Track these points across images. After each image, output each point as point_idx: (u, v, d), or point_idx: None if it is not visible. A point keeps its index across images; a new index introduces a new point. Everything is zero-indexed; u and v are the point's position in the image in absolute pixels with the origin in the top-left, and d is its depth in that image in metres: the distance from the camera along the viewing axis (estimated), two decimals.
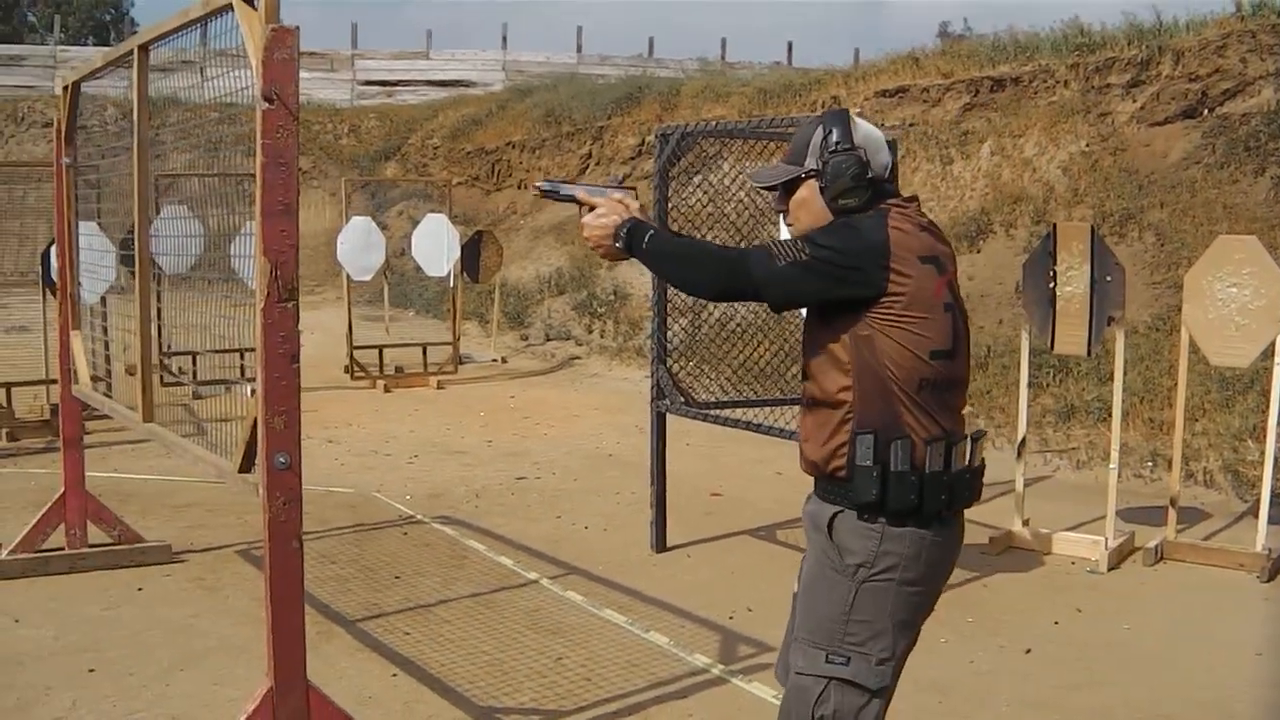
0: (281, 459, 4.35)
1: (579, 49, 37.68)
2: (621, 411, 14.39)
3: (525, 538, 9.02)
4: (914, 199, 3.94)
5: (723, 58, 37.06)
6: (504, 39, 37.19)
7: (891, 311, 3.69)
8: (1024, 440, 9.19)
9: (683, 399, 8.57)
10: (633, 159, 25.16)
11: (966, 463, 3.82)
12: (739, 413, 8.50)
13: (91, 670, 6.36)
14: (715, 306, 8.86)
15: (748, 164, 9.29)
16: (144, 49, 6.03)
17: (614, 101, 26.98)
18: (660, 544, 8.81)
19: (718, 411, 8.61)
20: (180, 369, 15.98)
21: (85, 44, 42.60)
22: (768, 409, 8.52)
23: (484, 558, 8.51)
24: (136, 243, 6.26)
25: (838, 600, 3.87)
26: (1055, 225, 8.98)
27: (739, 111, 22.70)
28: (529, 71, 35.40)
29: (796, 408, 8.66)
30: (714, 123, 9.99)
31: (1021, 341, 9.19)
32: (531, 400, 15.62)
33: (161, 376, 14.81)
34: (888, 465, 3.72)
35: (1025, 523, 8.99)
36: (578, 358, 18.99)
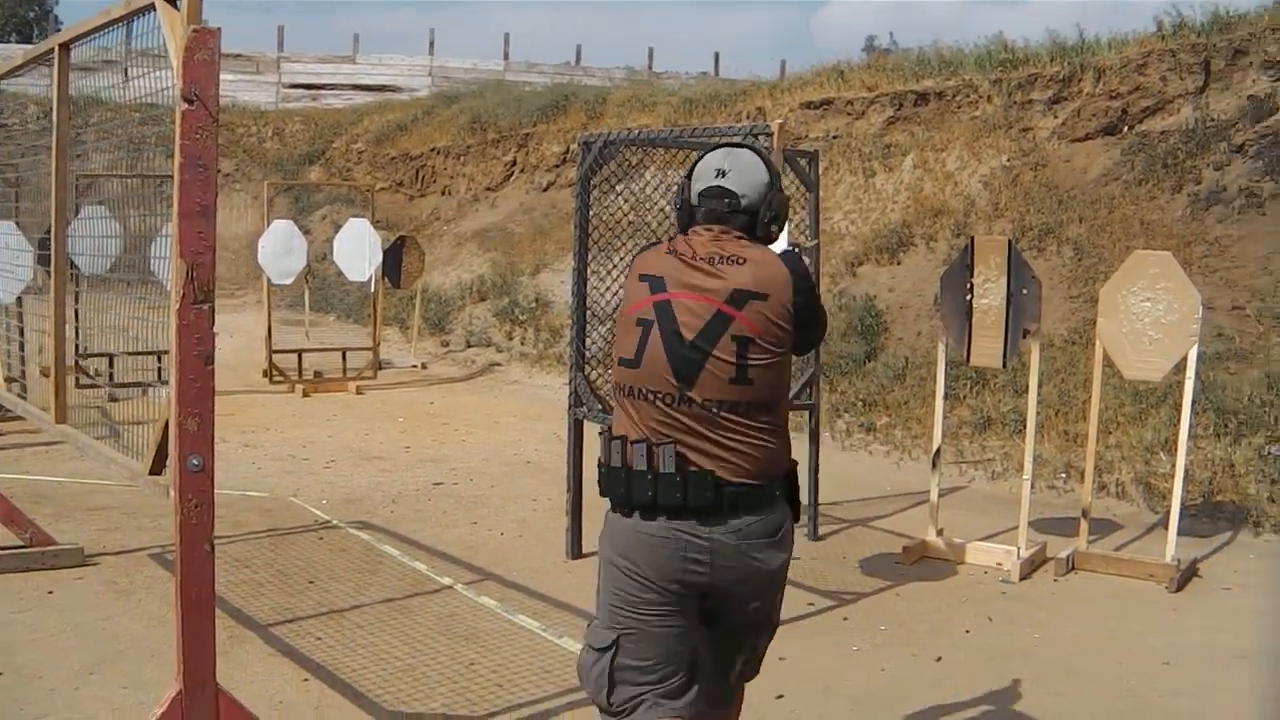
0: (194, 461, 4.34)
1: (506, 56, 37.69)
2: (541, 418, 14.39)
3: (440, 543, 9.03)
4: (716, 226, 4.18)
5: (650, 67, 37.23)
6: (431, 44, 37.25)
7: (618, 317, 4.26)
8: (939, 451, 9.24)
9: (600, 406, 8.59)
10: (557, 167, 25.17)
11: (657, 468, 4.07)
12: None
13: (0, 674, 6.32)
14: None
15: (671, 173, 9.33)
16: (65, 47, 6.01)
17: (540, 109, 26.98)
18: (575, 550, 8.83)
19: None
20: (96, 371, 15.84)
21: (9, 41, 42.10)
22: None
23: (399, 563, 8.50)
24: (53, 243, 6.23)
25: None
26: (973, 238, 9.07)
27: (665, 121, 22.77)
28: (456, 78, 35.36)
29: None
30: (637, 131, 10.03)
31: (938, 353, 9.23)
32: (451, 406, 15.58)
33: (77, 379, 14.68)
34: (609, 459, 4.22)
35: (939, 532, 9.07)
36: (498, 364, 18.96)
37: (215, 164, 4.36)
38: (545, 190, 25.18)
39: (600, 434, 4.37)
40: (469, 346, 20.19)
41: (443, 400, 16.20)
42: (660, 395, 4.06)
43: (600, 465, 4.29)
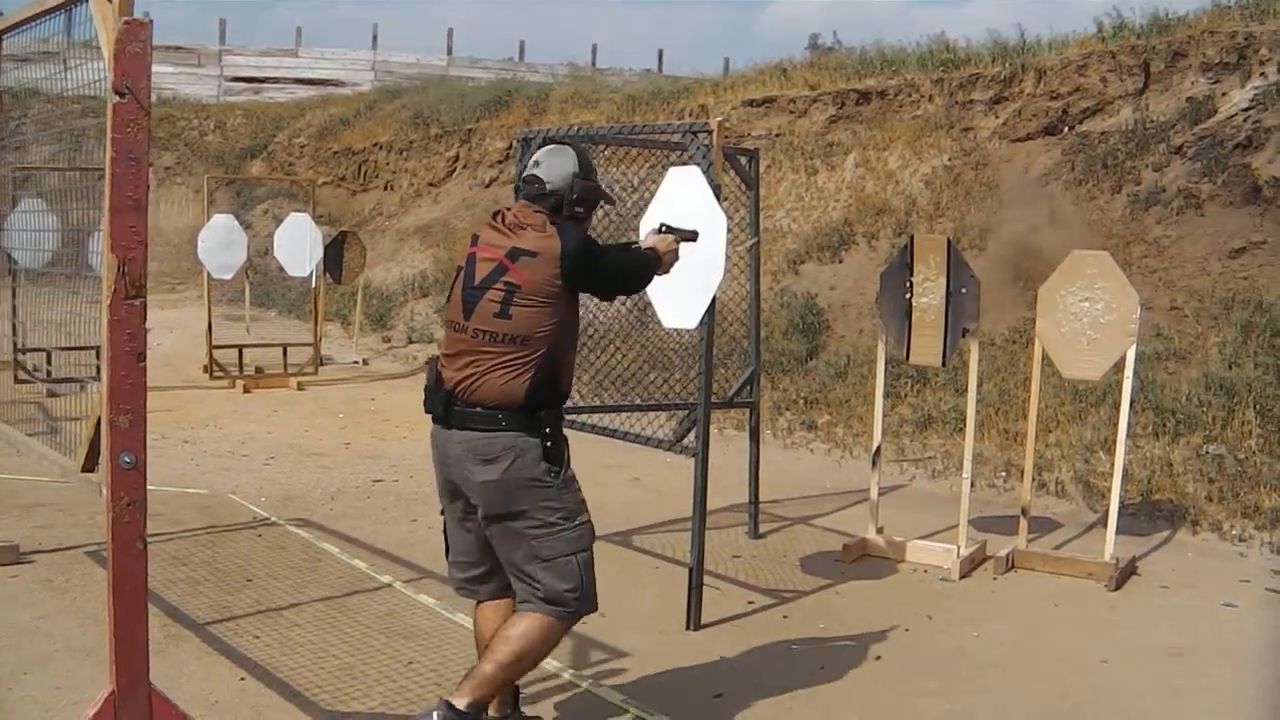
0: (126, 459, 4.29)
1: (449, 51, 37.59)
2: None
3: (380, 541, 8.96)
4: (520, 202, 5.39)
5: (593, 64, 37.19)
6: (374, 39, 37.06)
7: None
8: (879, 449, 9.25)
9: None
10: (500, 163, 25.16)
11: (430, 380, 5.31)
12: (595, 418, 8.51)
13: None
14: (583, 309, 8.88)
15: (613, 170, 9.31)
16: None
17: (483, 105, 27.02)
18: None
19: (575, 417, 8.62)
20: (35, 366, 15.71)
21: None
22: (625, 415, 8.55)
23: (338, 561, 8.45)
24: None
25: None
26: (912, 237, 9.09)
27: (607, 118, 22.78)
28: (399, 72, 35.31)
29: (653, 415, 8.75)
30: (576, 127, 9.99)
31: (878, 351, 9.23)
32: (392, 403, 15.51)
33: (15, 374, 14.56)
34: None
35: (880, 531, 9.08)
36: None
37: (147, 158, 4.31)
38: (488, 186, 25.16)
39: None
40: (411, 343, 20.15)
41: (384, 397, 16.14)
42: (454, 324, 5.25)
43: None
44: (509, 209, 5.34)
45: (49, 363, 15.31)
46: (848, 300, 15.64)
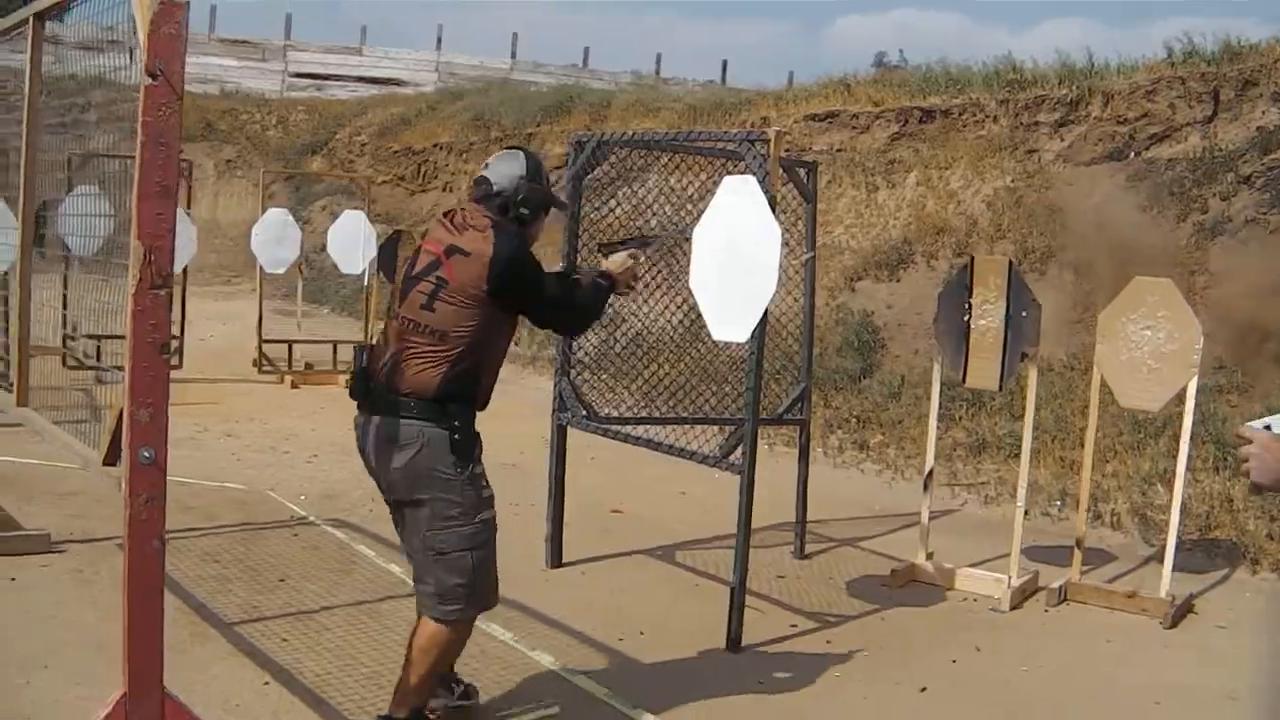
0: (145, 454, 4.12)
1: (513, 55, 37.58)
2: (527, 420, 14.08)
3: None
4: (472, 204, 5.54)
5: (657, 73, 37.05)
6: (439, 40, 37.15)
7: None
8: (931, 472, 9.02)
9: (585, 412, 8.38)
10: (559, 168, 24.73)
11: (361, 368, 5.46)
12: (643, 430, 8.33)
13: None
14: (630, 321, 8.73)
15: (673, 179, 9.14)
16: (40, 18, 5.81)
17: (544, 109, 26.87)
18: (555, 559, 8.61)
19: (620, 427, 8.44)
20: (85, 353, 15.63)
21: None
22: (675, 427, 8.38)
23: (373, 564, 8.28)
24: (21, 218, 6.03)
25: None
26: (973, 258, 8.86)
27: (668, 126, 22.58)
28: (461, 74, 35.30)
29: (704, 428, 8.56)
30: (632, 132, 9.80)
31: (933, 373, 9.00)
32: None
33: (64, 359, 14.48)
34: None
35: (929, 556, 8.84)
36: None
37: (178, 143, 4.14)
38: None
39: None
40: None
41: None
42: (391, 312, 5.47)
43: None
44: (464, 209, 5.56)
45: (99, 348, 15.24)
46: (904, 319, 15.41)
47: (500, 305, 5.31)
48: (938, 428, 9.18)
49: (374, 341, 5.57)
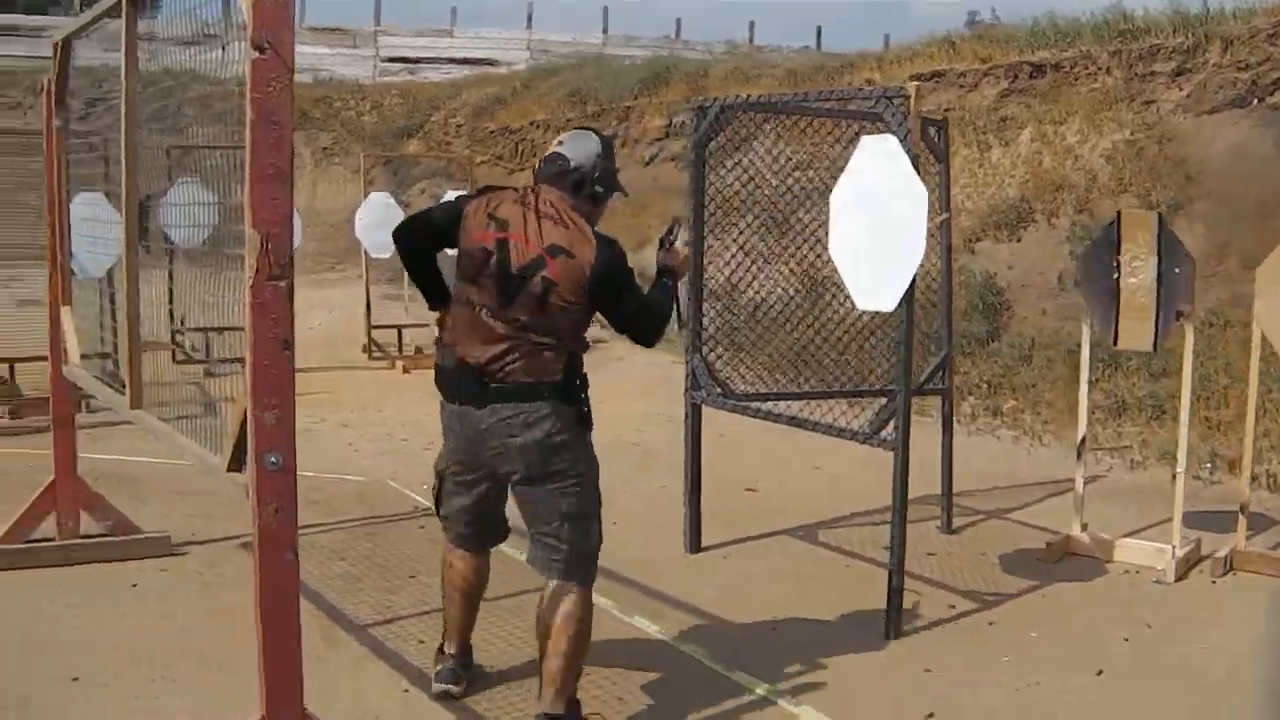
0: (273, 459, 3.79)
1: (605, 29, 37.30)
2: (647, 397, 13.83)
3: None
4: (543, 186, 5.48)
5: (750, 40, 36.61)
6: (529, 18, 36.91)
7: (460, 236, 5.43)
8: (1084, 440, 8.53)
9: (719, 390, 7.98)
10: (659, 140, 24.65)
11: (445, 365, 5.51)
12: (782, 407, 7.94)
13: (75, 679, 5.82)
14: (751, 289, 8.33)
15: (790, 147, 8.74)
16: (133, 2, 5.51)
17: (640, 82, 26.49)
18: (695, 544, 8.23)
19: (756, 404, 8.05)
20: (193, 346, 15.48)
21: (115, 15, 41.86)
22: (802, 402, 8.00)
23: (506, 556, 7.81)
24: (124, 212, 5.73)
25: None
26: (1120, 213, 8.36)
27: (769, 92, 22.10)
28: (554, 51, 35.05)
29: (837, 400, 8.16)
30: (756, 96, 9.35)
31: (1082, 335, 8.51)
32: None
33: (173, 353, 14.33)
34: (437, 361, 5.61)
35: (1084, 528, 8.38)
36: (601, 340, 18.27)
37: (291, 121, 3.80)
38: (647, 165, 24.63)
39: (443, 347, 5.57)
40: None
41: None
42: (483, 308, 5.31)
43: (439, 367, 5.60)
44: (532, 190, 5.48)
45: (207, 343, 15.07)
46: (1028, 280, 14.90)
47: (595, 304, 5.40)
48: (1072, 390, 8.71)
49: (447, 335, 5.51)
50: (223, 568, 7.52)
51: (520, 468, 5.40)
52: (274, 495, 3.81)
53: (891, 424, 6.70)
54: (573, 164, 5.46)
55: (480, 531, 5.88)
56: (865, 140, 6.69)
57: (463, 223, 5.41)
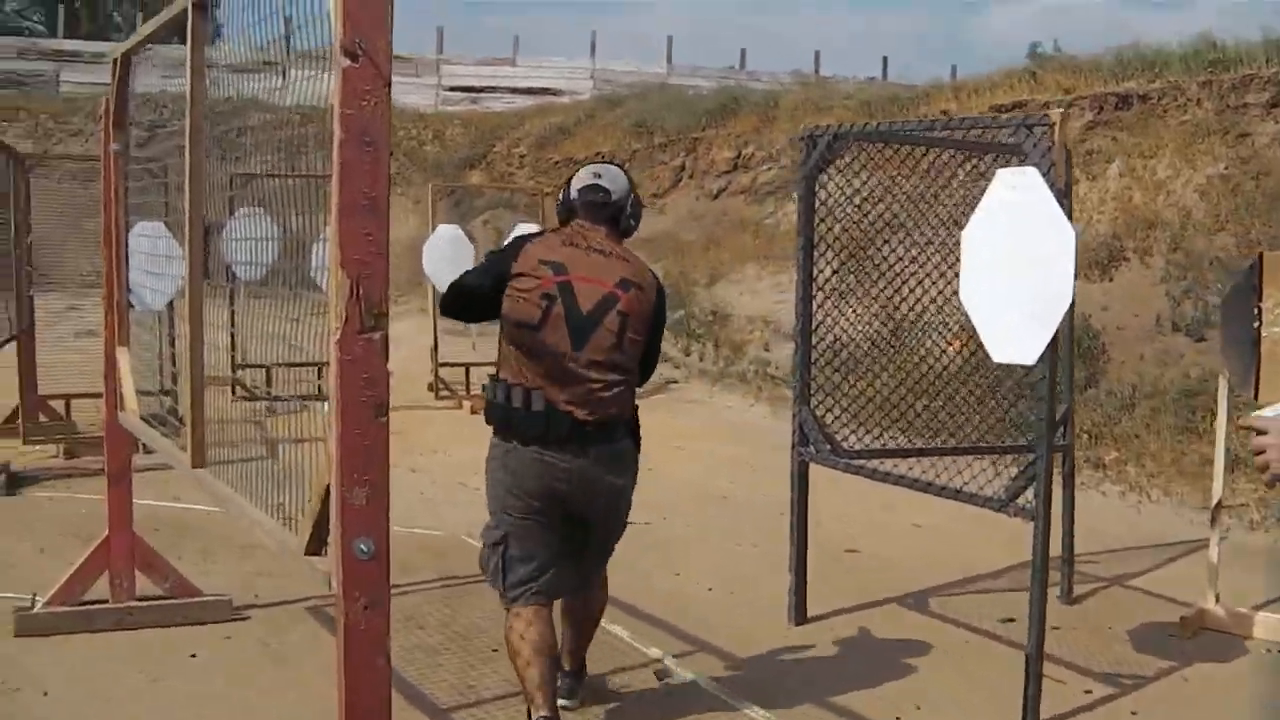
0: (363, 547, 3.18)
1: (669, 59, 36.93)
2: (729, 443, 13.21)
3: (641, 599, 7.70)
4: (583, 224, 5.64)
5: (816, 71, 36.10)
6: (592, 47, 36.53)
7: (509, 292, 5.42)
8: (1219, 504, 7.82)
9: (829, 446, 7.33)
10: (728, 173, 24.16)
11: (530, 407, 5.36)
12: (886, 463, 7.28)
13: None
14: (821, 333, 7.67)
15: (901, 177, 8.11)
16: (199, 8, 4.96)
17: (708, 113, 26.06)
18: (800, 615, 7.53)
19: (869, 462, 7.40)
20: (253, 383, 14.94)
21: (170, 43, 41.70)
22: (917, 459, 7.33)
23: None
24: (188, 245, 5.16)
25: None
26: (1260, 255, 7.66)
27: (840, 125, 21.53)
28: (618, 81, 34.63)
29: (952, 458, 7.51)
30: (875, 123, 8.63)
31: (1219, 388, 7.82)
32: None
33: (233, 388, 13.80)
34: (495, 397, 5.48)
35: (1217, 599, 7.68)
36: (675, 381, 17.75)
37: (388, 142, 3.20)
38: (715, 198, 24.13)
39: (490, 377, 5.60)
40: None
41: None
42: (555, 354, 5.33)
43: (489, 403, 5.55)
44: (576, 229, 5.64)
45: (268, 378, 14.53)
46: (1122, 321, 14.18)
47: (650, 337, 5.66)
48: (1179, 442, 8.02)
49: (511, 378, 5.49)
50: (289, 634, 6.92)
51: (605, 509, 5.66)
52: (364, 588, 3.20)
53: (1030, 490, 6.02)
54: (614, 197, 5.66)
55: (558, 582, 5.70)
56: (1001, 174, 6.04)
57: (514, 282, 5.43)
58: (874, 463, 7.37)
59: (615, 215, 5.66)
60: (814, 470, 7.70)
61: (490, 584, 5.72)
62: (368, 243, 3.13)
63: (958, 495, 6.54)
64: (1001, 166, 6.38)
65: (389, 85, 3.16)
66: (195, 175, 5.09)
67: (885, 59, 39.03)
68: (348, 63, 3.09)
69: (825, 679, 6.58)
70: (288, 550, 3.78)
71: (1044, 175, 5.76)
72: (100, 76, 31.39)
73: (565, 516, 5.55)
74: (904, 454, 7.57)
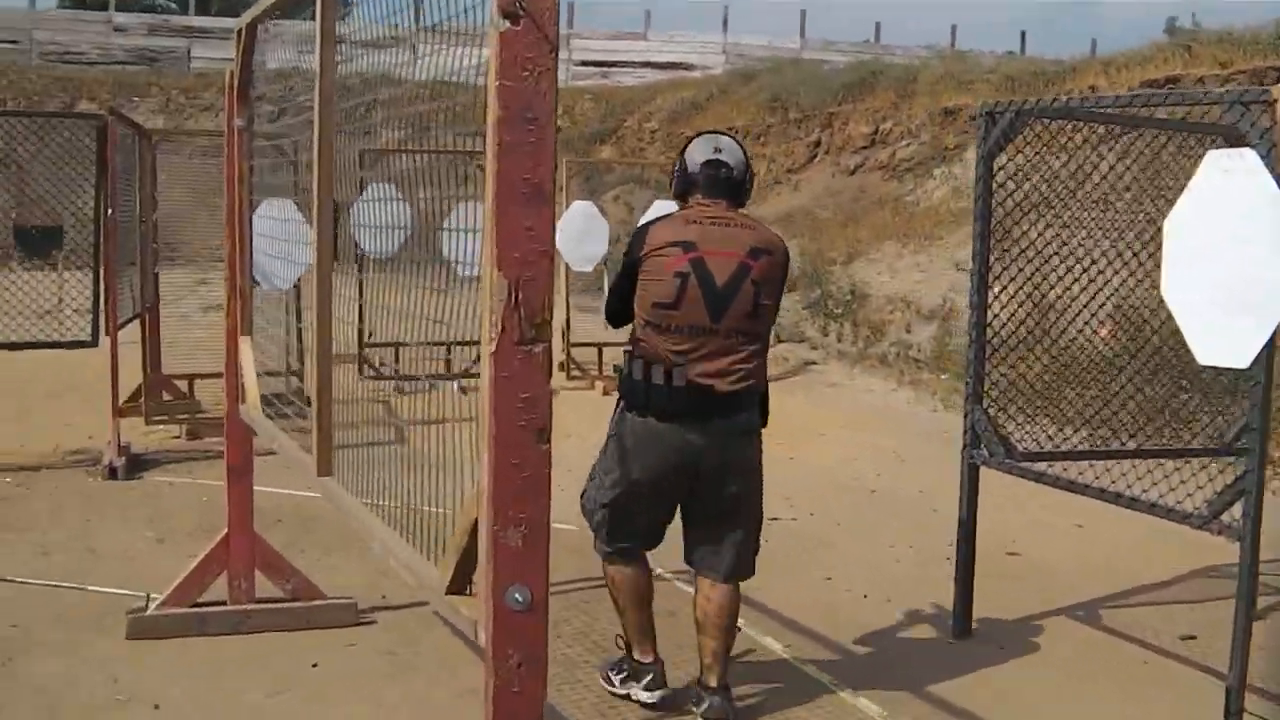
0: (518, 596, 2.70)
1: (802, 33, 36.49)
2: (871, 430, 12.62)
3: (792, 608, 7.17)
4: (722, 200, 5.61)
5: (952, 45, 35.46)
6: (724, 21, 36.18)
7: (642, 275, 5.51)
8: None
9: (1004, 449, 6.74)
10: (865, 149, 23.60)
11: (670, 383, 5.35)
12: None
13: None
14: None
15: (1088, 154, 7.52)
16: None
17: (844, 87, 25.53)
18: (963, 628, 6.94)
19: (1041, 465, 6.82)
20: (381, 361, 14.58)
21: (304, 18, 41.63)
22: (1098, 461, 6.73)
23: (745, 636, 6.75)
24: (315, 227, 4.71)
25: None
26: None
27: (983, 100, 20.87)
28: (750, 55, 34.33)
29: (1137, 461, 6.92)
30: (1066, 98, 7.97)
31: None
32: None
33: (361, 368, 13.47)
34: (631, 374, 5.52)
35: None
36: (813, 363, 17.18)
37: (554, 121, 2.72)
38: (852, 174, 23.59)
39: (625, 353, 5.62)
40: (779, 341, 18.41)
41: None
42: (695, 328, 5.37)
43: (625, 378, 5.58)
44: (699, 207, 5.62)
45: (396, 357, 14.18)
46: None
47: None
48: None
49: (650, 355, 5.51)
50: (418, 643, 6.47)
51: (735, 479, 5.58)
52: (518, 644, 2.73)
53: (1238, 506, 5.41)
54: (735, 173, 5.68)
55: (653, 540, 5.91)
56: (1211, 155, 5.41)
57: (644, 266, 5.52)
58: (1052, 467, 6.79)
59: (736, 186, 5.69)
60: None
61: (589, 526, 6.05)
62: (529, 239, 2.65)
63: (1153, 509, 5.95)
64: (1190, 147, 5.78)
65: (555, 51, 2.68)
66: (324, 147, 4.64)
67: (1023, 33, 38.46)
68: (506, 25, 2.63)
69: (997, 706, 6.01)
70: (426, 588, 3.30)
71: (1264, 158, 5.15)
72: (232, 53, 31.47)
73: (689, 489, 5.61)
74: (1086, 457, 6.97)
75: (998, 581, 7.65)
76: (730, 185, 5.65)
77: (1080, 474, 6.69)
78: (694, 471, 5.50)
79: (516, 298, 2.64)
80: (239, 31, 6.23)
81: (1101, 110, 6.98)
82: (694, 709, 5.65)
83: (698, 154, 5.70)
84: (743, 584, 5.85)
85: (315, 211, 4.84)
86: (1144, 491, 6.26)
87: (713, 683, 5.63)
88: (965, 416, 6.85)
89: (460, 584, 3.10)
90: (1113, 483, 6.46)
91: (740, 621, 6.30)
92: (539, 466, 2.69)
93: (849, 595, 7.58)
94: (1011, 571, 8.10)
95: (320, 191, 4.71)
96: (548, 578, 2.75)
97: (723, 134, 5.99)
